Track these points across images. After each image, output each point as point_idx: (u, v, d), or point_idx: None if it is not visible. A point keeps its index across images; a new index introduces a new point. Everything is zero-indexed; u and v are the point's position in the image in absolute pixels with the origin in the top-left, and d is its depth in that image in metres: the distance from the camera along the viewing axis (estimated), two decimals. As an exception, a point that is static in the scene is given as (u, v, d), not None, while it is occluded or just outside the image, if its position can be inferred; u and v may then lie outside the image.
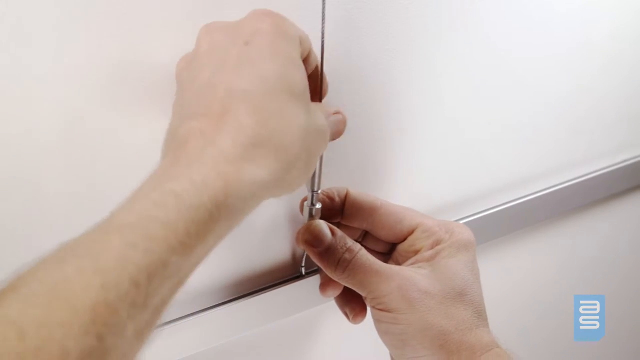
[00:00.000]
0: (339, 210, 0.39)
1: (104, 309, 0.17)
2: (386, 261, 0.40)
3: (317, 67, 0.32)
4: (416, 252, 0.38)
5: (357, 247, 0.36)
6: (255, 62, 0.25)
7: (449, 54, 0.45)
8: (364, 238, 0.41)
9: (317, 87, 0.32)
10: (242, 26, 0.27)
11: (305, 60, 0.29)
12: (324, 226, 0.37)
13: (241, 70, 0.25)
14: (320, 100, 0.33)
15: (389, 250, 0.40)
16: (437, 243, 0.37)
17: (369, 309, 0.38)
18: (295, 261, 0.44)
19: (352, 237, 0.39)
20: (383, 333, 0.35)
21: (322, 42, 0.32)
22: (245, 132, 0.23)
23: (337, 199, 0.39)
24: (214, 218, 0.21)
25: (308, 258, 0.42)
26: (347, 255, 0.35)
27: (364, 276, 0.35)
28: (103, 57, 0.30)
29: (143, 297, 0.19)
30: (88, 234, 0.20)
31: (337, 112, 0.32)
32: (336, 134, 0.32)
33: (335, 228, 0.37)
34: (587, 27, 0.54)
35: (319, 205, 0.37)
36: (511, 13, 0.47)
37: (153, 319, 0.20)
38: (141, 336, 0.20)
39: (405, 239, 0.39)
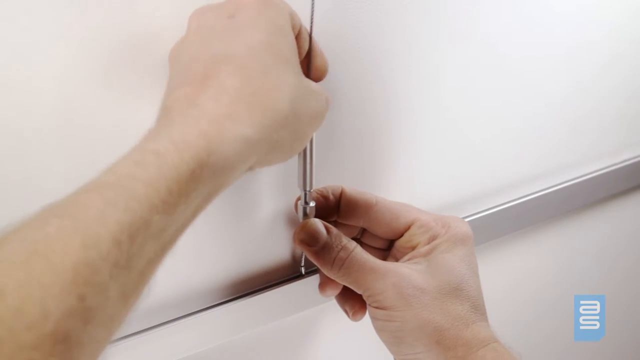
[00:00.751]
0: (334, 209, 0.39)
1: (85, 268, 0.17)
2: (384, 258, 0.40)
3: (308, 46, 0.32)
4: (413, 248, 0.38)
5: (352, 244, 0.36)
6: (239, 31, 0.25)
7: (448, 53, 0.45)
8: (362, 235, 0.41)
9: (308, 64, 0.32)
10: (227, 3, 0.27)
11: (297, 37, 0.29)
12: (318, 225, 0.37)
13: (225, 39, 0.25)
14: (315, 80, 0.33)
15: (387, 246, 0.40)
16: (434, 238, 0.37)
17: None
18: (294, 260, 0.44)
19: (349, 234, 0.39)
20: (379, 330, 0.35)
21: (310, 35, 0.32)
22: (228, 91, 0.23)
23: (331, 197, 0.39)
24: (196, 176, 0.21)
25: (307, 257, 0.42)
26: (342, 254, 0.35)
27: (359, 274, 0.35)
28: (102, 45, 0.30)
29: (125, 257, 0.19)
30: (70, 195, 0.20)
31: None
32: (319, 73, 0.32)
33: (330, 226, 0.37)
34: (587, 27, 0.54)
35: (312, 204, 0.38)
36: (511, 13, 0.47)
37: (139, 281, 0.20)
38: (127, 298, 0.19)
39: (402, 235, 0.39)
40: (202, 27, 0.27)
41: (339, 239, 0.36)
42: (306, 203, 0.37)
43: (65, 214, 0.18)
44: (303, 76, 0.28)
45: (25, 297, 0.16)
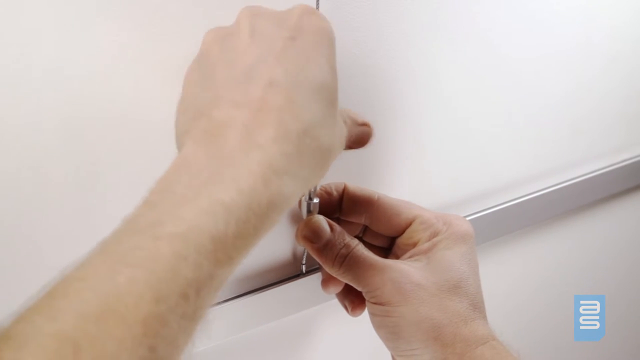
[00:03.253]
0: (337, 206, 0.39)
1: (155, 321, 0.18)
2: (386, 256, 0.40)
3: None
4: (414, 245, 0.38)
5: (355, 242, 0.37)
6: (300, 61, 0.24)
7: (449, 53, 0.45)
8: (364, 233, 0.41)
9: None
10: (287, 18, 0.26)
11: None
12: (322, 222, 0.37)
13: (286, 66, 0.24)
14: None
15: (389, 244, 0.41)
16: (434, 235, 0.37)
17: None
18: (295, 259, 0.44)
19: (352, 232, 0.39)
20: (377, 326, 0.36)
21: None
22: (290, 139, 0.23)
23: (334, 193, 0.39)
24: (256, 230, 0.22)
25: (309, 256, 0.42)
26: (344, 251, 0.36)
27: (359, 270, 0.35)
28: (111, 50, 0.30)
29: (192, 310, 0.19)
30: (133, 235, 0.20)
31: (364, 123, 0.32)
32: (360, 142, 0.32)
33: (334, 223, 0.38)
34: (587, 27, 0.54)
35: (316, 200, 0.38)
36: (511, 13, 0.47)
37: (198, 327, 0.21)
38: (189, 344, 0.20)
39: (403, 232, 0.39)
40: (259, 33, 0.26)
41: (342, 237, 0.37)
42: (310, 199, 0.37)
43: (135, 264, 0.19)
44: (340, 122, 0.28)
45: (100, 352, 0.17)
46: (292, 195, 0.23)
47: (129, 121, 0.32)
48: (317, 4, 0.33)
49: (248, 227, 0.21)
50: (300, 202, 0.39)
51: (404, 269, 0.35)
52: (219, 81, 0.25)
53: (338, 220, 0.39)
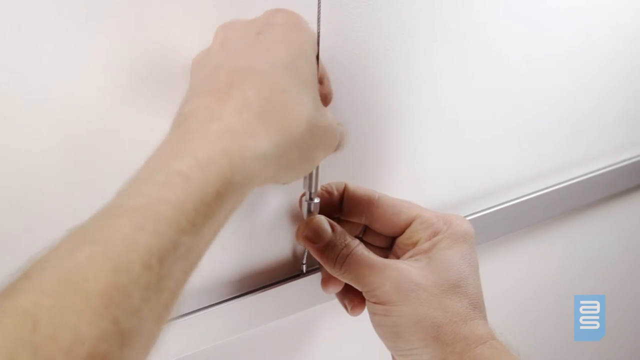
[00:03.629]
0: (338, 205, 0.39)
1: (117, 292, 0.18)
2: (386, 256, 0.40)
3: (323, 76, 0.33)
4: (414, 244, 0.38)
5: (355, 242, 0.37)
6: (264, 48, 0.26)
7: (448, 53, 0.45)
8: (364, 233, 0.41)
9: (325, 94, 0.33)
10: (255, 20, 0.28)
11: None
12: (324, 222, 0.37)
13: (250, 54, 0.25)
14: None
15: (389, 244, 0.41)
16: (435, 234, 0.37)
17: None
18: (296, 259, 0.44)
19: (352, 232, 0.39)
20: (377, 325, 0.36)
21: (318, 42, 0.32)
22: (250, 106, 0.23)
23: (335, 193, 0.39)
24: (221, 196, 0.21)
25: (309, 256, 0.42)
26: (345, 251, 0.36)
27: (359, 270, 0.35)
28: (111, 55, 0.30)
29: (156, 279, 0.19)
30: (97, 218, 0.20)
31: (339, 124, 0.32)
32: (340, 146, 0.32)
33: (335, 224, 0.38)
34: (587, 27, 0.54)
35: (317, 200, 0.38)
36: (511, 13, 0.47)
37: (169, 300, 0.20)
38: (159, 318, 0.20)
39: (403, 232, 0.39)
40: (228, 39, 0.27)
41: (343, 237, 0.37)
42: (310, 199, 0.37)
43: (95, 240, 0.19)
44: (320, 102, 0.28)
45: (59, 325, 0.16)
46: (259, 161, 0.23)
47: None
48: (319, 4, 0.33)
49: (209, 192, 0.21)
50: (300, 202, 0.39)
51: (403, 269, 0.35)
52: (194, 84, 0.27)
53: (338, 221, 0.39)
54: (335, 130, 0.29)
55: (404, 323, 0.33)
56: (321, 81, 0.32)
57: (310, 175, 0.37)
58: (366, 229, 0.41)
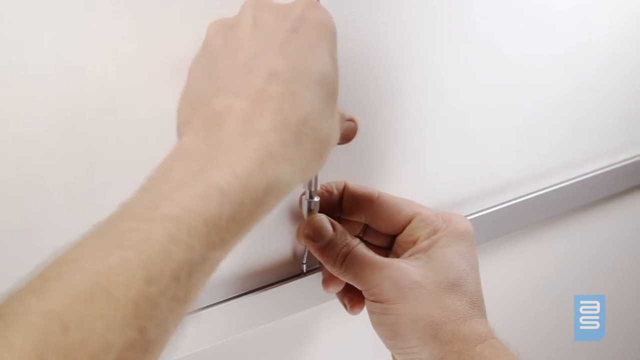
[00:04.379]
0: (338, 204, 0.39)
1: (145, 302, 0.18)
2: (387, 255, 0.40)
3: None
4: (414, 242, 0.38)
5: (356, 241, 0.37)
6: (301, 53, 0.25)
7: (449, 53, 0.45)
8: (365, 233, 0.41)
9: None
10: (290, 11, 0.26)
11: None
12: (325, 221, 0.37)
13: (287, 57, 0.24)
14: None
15: (389, 244, 0.41)
16: (434, 232, 0.37)
17: None
18: (296, 259, 0.44)
19: (353, 231, 0.39)
20: (376, 324, 0.36)
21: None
22: (289, 127, 0.23)
23: (335, 191, 0.39)
24: (252, 214, 0.22)
25: (309, 255, 0.42)
26: (345, 250, 0.36)
27: (359, 269, 0.35)
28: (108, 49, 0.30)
29: (183, 292, 0.19)
30: (128, 218, 0.20)
31: (350, 119, 0.32)
32: (346, 138, 0.32)
33: (336, 223, 0.38)
34: (587, 27, 0.54)
35: (317, 199, 0.38)
36: (511, 13, 0.47)
37: (189, 310, 0.21)
38: (178, 328, 0.20)
39: (403, 230, 0.39)
40: (261, 25, 0.26)
41: (344, 236, 0.37)
42: (311, 198, 0.38)
43: (128, 245, 0.19)
44: (337, 111, 0.28)
45: (88, 331, 0.16)
46: (289, 182, 0.23)
47: (128, 118, 0.32)
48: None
49: (243, 210, 0.21)
50: (300, 201, 0.39)
51: (402, 267, 0.35)
52: (221, 72, 0.25)
53: (339, 220, 0.39)
54: (336, 140, 0.29)
55: (402, 321, 0.33)
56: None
57: None
58: (367, 228, 0.41)
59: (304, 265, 0.43)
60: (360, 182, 0.40)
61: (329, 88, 0.25)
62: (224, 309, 0.40)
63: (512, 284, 0.66)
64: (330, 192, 0.39)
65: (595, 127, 0.61)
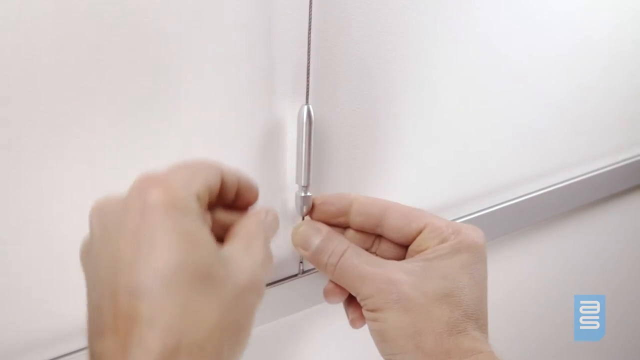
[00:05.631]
0: (345, 217, 0.39)
1: None
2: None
3: (238, 179, 0.30)
4: (422, 252, 0.37)
5: (342, 248, 0.36)
6: (150, 250, 0.22)
7: (448, 53, 0.45)
8: (378, 245, 0.40)
9: (243, 198, 0.30)
10: (129, 203, 0.24)
11: (222, 184, 0.28)
12: (309, 229, 0.37)
13: (137, 264, 0.22)
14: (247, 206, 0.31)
15: (403, 256, 0.40)
16: (441, 242, 0.37)
17: None
18: (294, 259, 0.44)
19: (364, 242, 0.39)
20: (369, 328, 0.36)
21: (309, 46, 0.32)
22: (154, 355, 0.21)
23: (340, 206, 0.38)
24: None
25: (307, 256, 0.42)
26: (332, 259, 0.36)
27: (349, 280, 0.35)
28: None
29: None
30: None
31: (267, 212, 0.30)
32: (273, 235, 0.30)
33: (323, 227, 0.37)
34: (587, 27, 0.54)
35: (309, 194, 0.38)
36: (511, 13, 0.47)
37: None
38: None
39: (414, 240, 0.38)
40: (106, 234, 0.24)
41: (329, 243, 0.36)
42: (303, 194, 0.38)
43: None
44: (230, 269, 0.25)
45: None
46: None
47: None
48: (310, 4, 0.33)
49: None
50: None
51: (393, 278, 0.34)
52: (92, 304, 0.24)
53: (350, 231, 0.39)
54: (256, 281, 0.27)
55: (387, 328, 0.34)
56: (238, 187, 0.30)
57: (301, 168, 0.37)
58: (380, 240, 0.40)
59: (301, 264, 0.43)
60: (359, 184, 0.40)
61: (194, 273, 0.22)
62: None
63: (512, 284, 0.66)
64: (334, 207, 0.38)
65: (595, 127, 0.61)
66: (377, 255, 0.39)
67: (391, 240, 0.39)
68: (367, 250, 0.39)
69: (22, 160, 0.30)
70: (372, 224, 0.38)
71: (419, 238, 0.38)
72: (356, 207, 0.38)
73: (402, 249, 0.40)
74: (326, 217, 0.38)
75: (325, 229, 0.37)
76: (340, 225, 0.39)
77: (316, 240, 0.37)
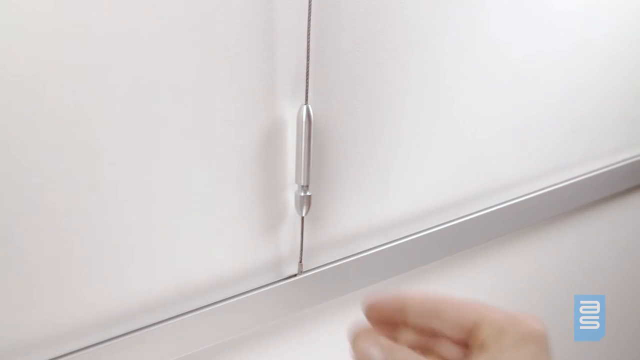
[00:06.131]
0: (399, 316, 0.38)
1: None
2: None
3: None
4: (480, 347, 0.37)
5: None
6: None
7: (448, 53, 0.45)
8: (439, 345, 0.40)
9: None
10: None
11: None
12: (370, 346, 0.36)
13: None
14: None
15: (464, 354, 0.39)
16: (501, 334, 0.36)
17: None
18: (293, 259, 0.43)
19: (420, 341, 0.38)
20: None
21: (308, 45, 0.32)
22: None
23: (394, 305, 0.38)
24: None
25: (306, 255, 0.42)
26: None
27: None
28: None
29: None
30: None
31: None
32: None
33: (382, 341, 0.37)
34: (587, 27, 0.54)
35: (308, 193, 0.38)
36: (512, 13, 0.47)
37: None
38: None
39: (469, 333, 0.38)
40: None
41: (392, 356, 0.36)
42: (302, 193, 0.38)
43: None
44: None
45: None
46: None
47: None
48: (310, 4, 0.33)
49: None
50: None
51: None
52: None
53: (403, 329, 0.38)
54: None
55: None
56: None
57: (301, 168, 0.37)
58: (438, 339, 0.39)
59: (301, 265, 0.43)
60: (356, 185, 0.40)
61: None
62: (223, 309, 0.40)
63: (512, 283, 0.66)
64: (388, 306, 0.38)
65: (595, 127, 0.61)
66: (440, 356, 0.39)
67: (444, 335, 0.39)
68: (429, 350, 0.38)
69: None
70: (426, 320, 0.37)
71: (477, 332, 0.37)
72: (408, 302, 0.37)
73: (461, 349, 0.39)
74: (381, 317, 0.38)
75: (383, 342, 0.36)
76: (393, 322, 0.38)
77: (377, 356, 0.36)
